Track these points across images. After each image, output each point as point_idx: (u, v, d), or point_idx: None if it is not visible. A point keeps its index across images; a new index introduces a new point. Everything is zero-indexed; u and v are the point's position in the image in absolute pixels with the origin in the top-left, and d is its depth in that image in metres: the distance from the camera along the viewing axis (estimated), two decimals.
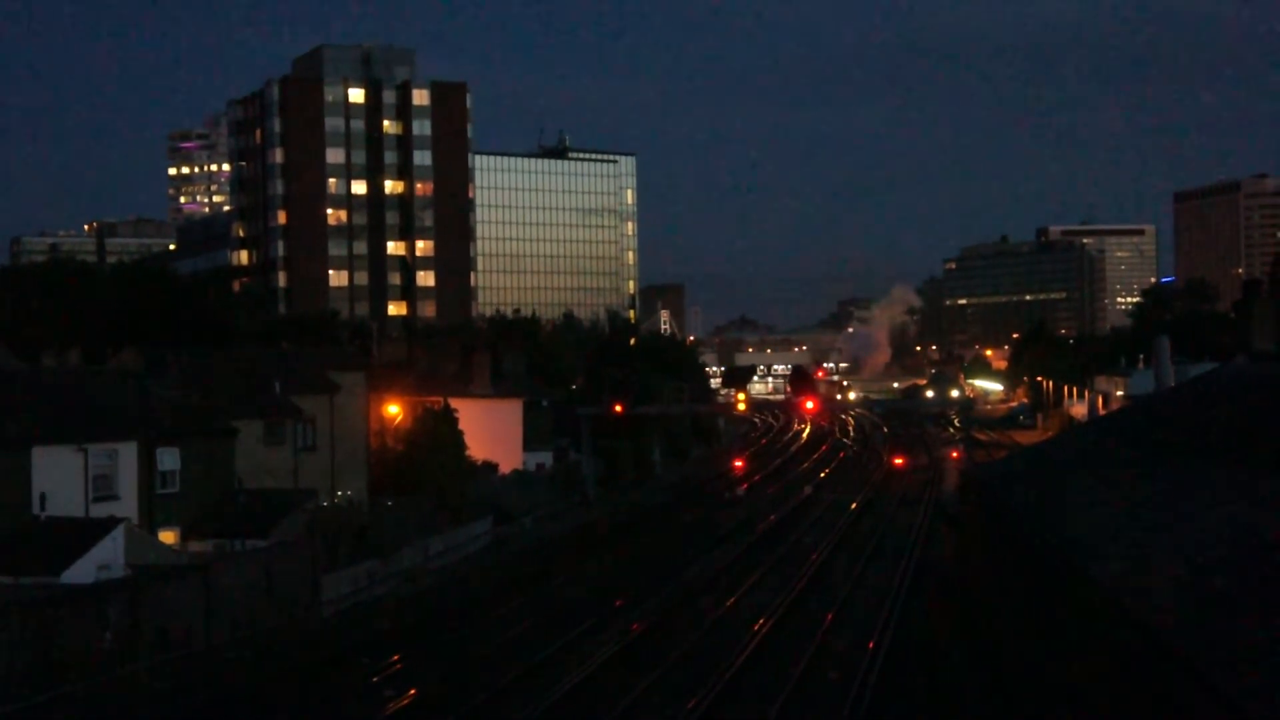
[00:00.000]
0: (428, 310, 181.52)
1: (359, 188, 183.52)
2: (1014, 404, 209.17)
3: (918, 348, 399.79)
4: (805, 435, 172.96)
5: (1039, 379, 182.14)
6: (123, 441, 55.83)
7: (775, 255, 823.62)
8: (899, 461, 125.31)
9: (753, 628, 48.07)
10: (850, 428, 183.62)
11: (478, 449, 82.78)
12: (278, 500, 60.91)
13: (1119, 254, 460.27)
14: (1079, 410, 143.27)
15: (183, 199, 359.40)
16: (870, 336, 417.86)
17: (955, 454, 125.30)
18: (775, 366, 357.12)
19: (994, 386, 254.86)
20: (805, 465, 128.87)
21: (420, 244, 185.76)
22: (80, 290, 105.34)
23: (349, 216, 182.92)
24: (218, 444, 61.12)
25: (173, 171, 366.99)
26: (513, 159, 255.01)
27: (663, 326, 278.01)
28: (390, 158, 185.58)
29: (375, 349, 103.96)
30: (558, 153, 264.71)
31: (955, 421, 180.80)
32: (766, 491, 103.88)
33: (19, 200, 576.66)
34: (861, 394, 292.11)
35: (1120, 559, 20.81)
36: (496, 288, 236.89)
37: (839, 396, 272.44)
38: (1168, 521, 22.19)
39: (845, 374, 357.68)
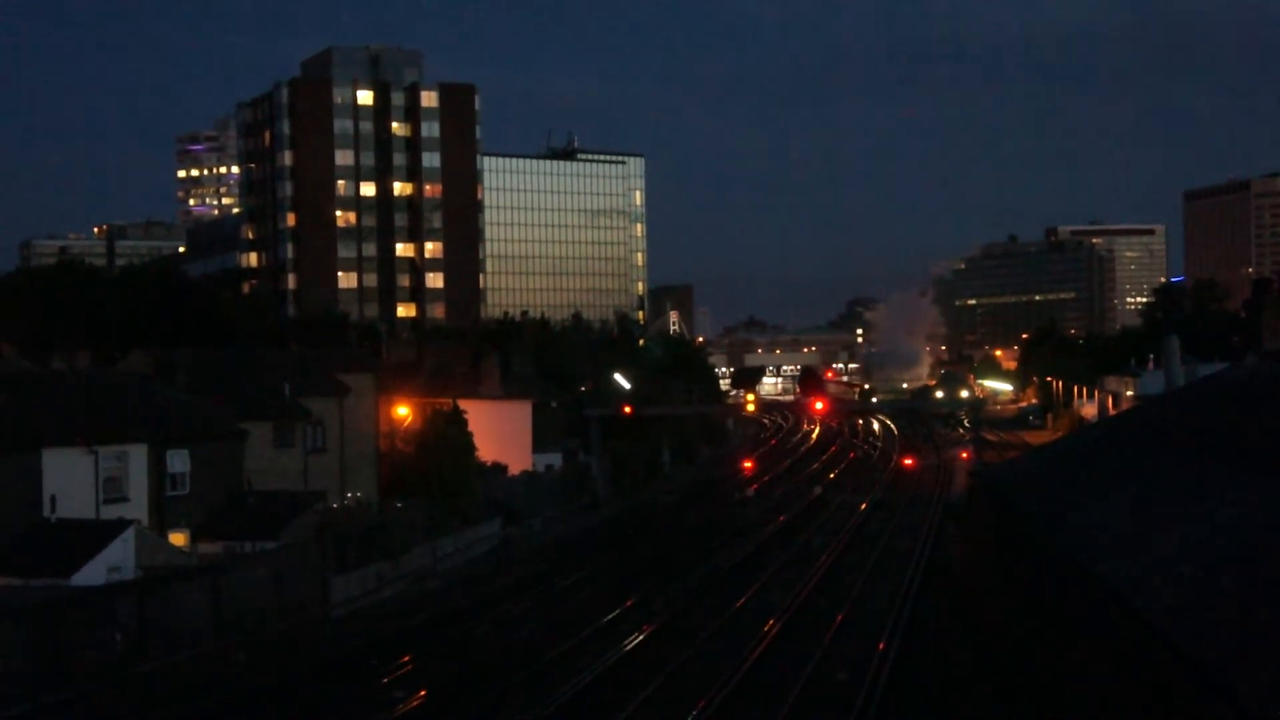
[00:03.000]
0: (437, 312, 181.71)
1: (368, 190, 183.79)
2: (1024, 404, 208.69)
3: (927, 348, 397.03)
4: (815, 436, 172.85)
5: (1048, 379, 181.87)
6: (133, 444, 55.97)
7: (784, 256, 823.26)
8: (908, 462, 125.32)
9: (762, 628, 48.08)
10: (860, 429, 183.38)
11: (487, 450, 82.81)
12: (287, 502, 61.01)
13: (1128, 254, 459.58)
14: (1089, 410, 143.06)
15: (192, 201, 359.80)
16: (916, 305, 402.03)
17: (964, 454, 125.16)
18: (784, 367, 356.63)
19: (1003, 387, 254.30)
20: (815, 466, 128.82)
21: (429, 246, 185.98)
22: (90, 293, 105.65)
23: (358, 218, 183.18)
24: (227, 446, 61.23)
25: (182, 174, 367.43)
26: (521, 160, 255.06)
27: (672, 327, 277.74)
28: (399, 159, 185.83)
29: (384, 351, 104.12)
30: (566, 154, 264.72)
31: (965, 422, 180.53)
32: (776, 492, 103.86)
33: (29, 203, 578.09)
34: (883, 395, 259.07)
35: (1129, 558, 20.80)
36: (505, 289, 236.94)
37: (856, 397, 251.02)
38: (1176, 521, 22.17)
39: (861, 374, 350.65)
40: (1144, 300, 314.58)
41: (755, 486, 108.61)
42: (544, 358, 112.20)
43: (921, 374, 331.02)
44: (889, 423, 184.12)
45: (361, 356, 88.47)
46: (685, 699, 37.72)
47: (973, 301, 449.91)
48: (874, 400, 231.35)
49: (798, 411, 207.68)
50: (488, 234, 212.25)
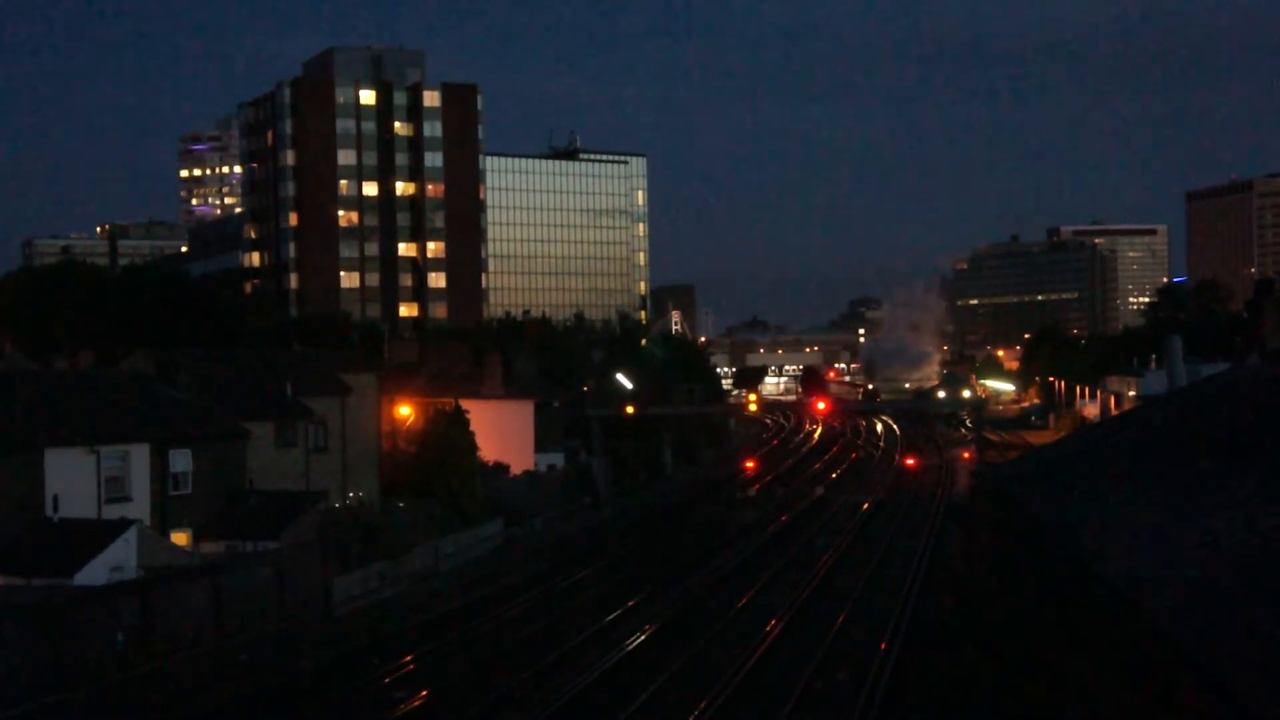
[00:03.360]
0: (439, 312, 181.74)
1: (370, 189, 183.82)
2: (1026, 404, 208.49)
3: (930, 346, 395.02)
4: (816, 436, 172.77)
5: (1050, 379, 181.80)
6: (135, 443, 55.96)
7: (786, 256, 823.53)
8: (911, 462, 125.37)
9: (764, 628, 48.08)
10: (863, 429, 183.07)
11: (489, 450, 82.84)
12: (289, 501, 61.00)
13: (1131, 254, 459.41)
14: (1091, 410, 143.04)
15: (194, 201, 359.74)
16: (923, 301, 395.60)
17: (966, 454, 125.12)
18: (786, 367, 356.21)
19: (1006, 387, 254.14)
20: (817, 466, 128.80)
21: (431, 245, 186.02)
22: (92, 292, 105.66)
23: (360, 218, 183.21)
24: (230, 445, 61.23)
25: (184, 174, 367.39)
26: (524, 160, 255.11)
27: (674, 327, 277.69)
28: (401, 159, 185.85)
29: (387, 350, 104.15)
30: (569, 154, 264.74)
31: (967, 422, 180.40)
32: (778, 492, 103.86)
33: (31, 202, 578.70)
34: (886, 396, 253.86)
35: (1131, 559, 20.78)
36: (507, 289, 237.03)
37: (860, 397, 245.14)
38: (1179, 521, 22.15)
39: (864, 373, 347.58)
40: (1146, 300, 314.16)
41: (757, 486, 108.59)
42: (546, 358, 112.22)
43: (931, 373, 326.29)
44: (892, 424, 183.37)
45: (363, 356, 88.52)
46: (687, 699, 37.73)
47: (975, 301, 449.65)
48: (878, 401, 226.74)
49: (800, 412, 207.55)
50: (490, 234, 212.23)
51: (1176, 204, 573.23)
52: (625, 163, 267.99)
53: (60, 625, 40.94)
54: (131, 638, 43.39)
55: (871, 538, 75.16)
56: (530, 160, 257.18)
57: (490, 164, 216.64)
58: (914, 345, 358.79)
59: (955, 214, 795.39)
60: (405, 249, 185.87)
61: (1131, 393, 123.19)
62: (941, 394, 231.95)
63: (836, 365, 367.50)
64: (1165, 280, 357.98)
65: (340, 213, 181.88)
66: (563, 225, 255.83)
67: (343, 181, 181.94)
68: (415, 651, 46.41)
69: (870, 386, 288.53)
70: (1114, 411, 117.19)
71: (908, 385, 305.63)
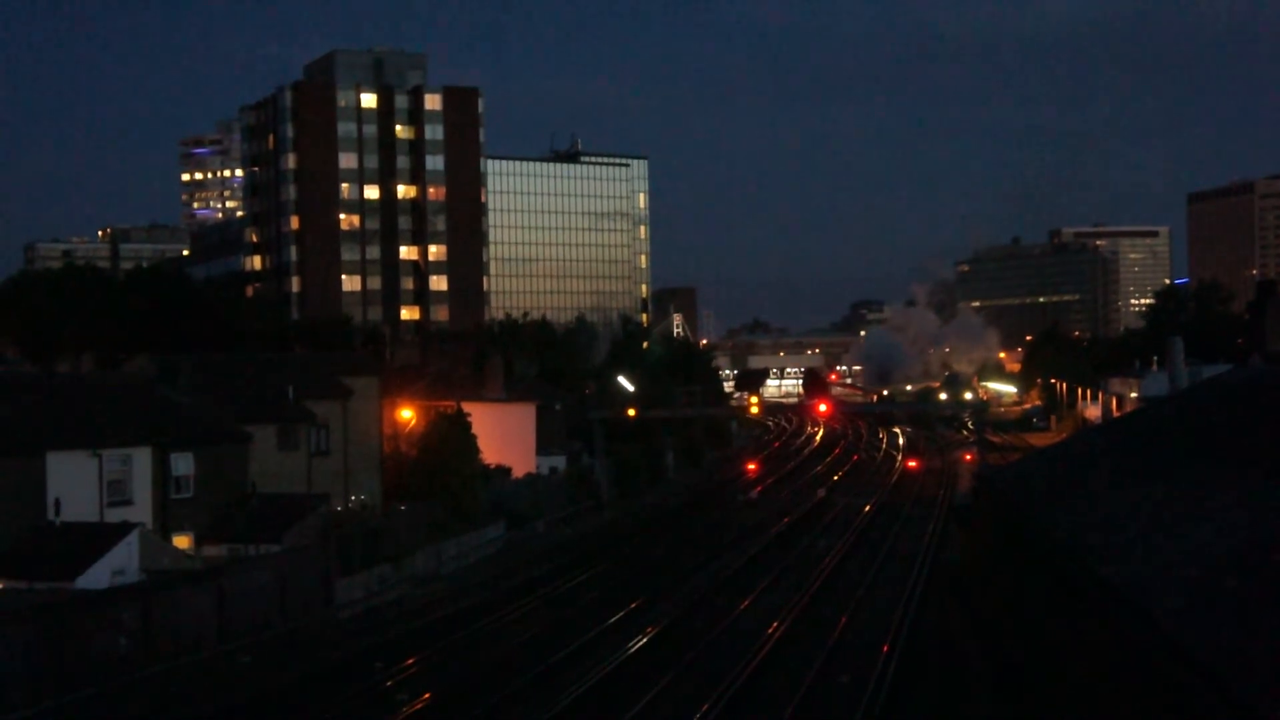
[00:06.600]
0: (440, 314, 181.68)
1: (371, 193, 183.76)
2: (1027, 406, 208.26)
3: (931, 349, 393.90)
4: (819, 439, 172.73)
5: (1052, 381, 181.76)
6: (137, 447, 55.95)
7: (788, 258, 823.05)
8: (912, 464, 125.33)
9: (767, 630, 48.07)
10: (864, 432, 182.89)
11: (491, 453, 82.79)
12: (291, 505, 60.97)
13: (1132, 255, 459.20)
14: (1092, 412, 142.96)
15: (196, 204, 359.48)
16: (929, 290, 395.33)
17: (968, 456, 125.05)
18: (788, 369, 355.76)
19: (1007, 389, 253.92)
20: (819, 468, 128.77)
21: (433, 248, 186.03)
22: (94, 296, 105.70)
23: (362, 221, 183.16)
24: (231, 449, 61.20)
25: (186, 177, 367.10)
26: (525, 163, 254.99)
27: (675, 330, 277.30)
28: (403, 162, 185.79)
29: (388, 353, 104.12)
30: (570, 157, 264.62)
31: (969, 424, 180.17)
32: (780, 494, 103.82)
33: (33, 206, 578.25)
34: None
35: (1133, 560, 20.78)
36: (509, 292, 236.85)
37: (874, 399, 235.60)
38: (1181, 523, 22.15)
39: (869, 374, 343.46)
40: (1148, 302, 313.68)
41: (759, 489, 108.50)
42: (547, 360, 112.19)
43: (992, 350, 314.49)
44: (899, 432, 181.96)
45: (365, 359, 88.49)
46: (689, 701, 37.72)
47: (976, 304, 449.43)
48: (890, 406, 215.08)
49: (802, 414, 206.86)
50: (491, 237, 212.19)
51: (1178, 205, 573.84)
52: (627, 165, 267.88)
53: (62, 629, 40.95)
54: (133, 641, 43.40)
55: (873, 540, 75.14)
56: (532, 163, 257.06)
57: (492, 167, 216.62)
58: (971, 317, 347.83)
59: (956, 215, 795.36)
60: (407, 252, 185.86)
61: (1133, 394, 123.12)
62: (943, 396, 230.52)
63: (839, 367, 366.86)
64: (1167, 282, 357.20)
65: (341, 216, 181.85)
66: (564, 228, 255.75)
67: (344, 185, 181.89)
68: (418, 654, 46.41)
69: (885, 391, 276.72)
70: (1116, 413, 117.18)
71: (910, 388, 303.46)
